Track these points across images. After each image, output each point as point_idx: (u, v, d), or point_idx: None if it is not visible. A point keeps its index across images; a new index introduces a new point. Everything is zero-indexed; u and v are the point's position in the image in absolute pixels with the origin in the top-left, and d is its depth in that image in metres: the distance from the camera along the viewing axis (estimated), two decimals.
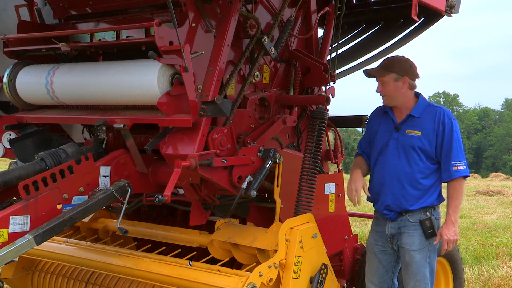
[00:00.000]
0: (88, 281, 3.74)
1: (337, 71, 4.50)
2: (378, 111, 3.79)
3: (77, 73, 3.33)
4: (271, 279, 3.00)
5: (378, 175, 3.69)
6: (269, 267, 3.01)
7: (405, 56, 3.65)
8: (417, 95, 3.63)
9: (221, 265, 3.19)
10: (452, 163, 3.45)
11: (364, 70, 3.70)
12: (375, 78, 3.65)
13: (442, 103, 65.62)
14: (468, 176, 3.51)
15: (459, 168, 3.45)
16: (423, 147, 3.51)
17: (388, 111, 3.68)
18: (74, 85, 3.31)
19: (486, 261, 6.99)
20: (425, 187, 3.52)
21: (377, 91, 3.63)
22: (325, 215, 3.90)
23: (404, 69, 3.55)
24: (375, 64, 4.73)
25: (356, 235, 4.18)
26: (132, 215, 4.14)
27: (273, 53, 3.49)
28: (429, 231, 3.49)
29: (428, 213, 3.53)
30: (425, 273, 3.53)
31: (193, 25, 3.06)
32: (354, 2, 4.99)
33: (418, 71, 3.64)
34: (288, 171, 3.48)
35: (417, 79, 3.63)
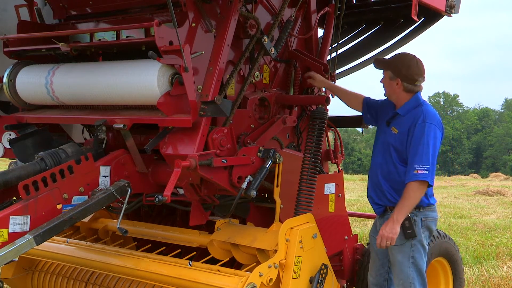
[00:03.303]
0: (88, 281, 3.75)
1: (337, 71, 4.50)
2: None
3: (77, 73, 3.33)
4: (271, 279, 3.01)
5: (370, 168, 3.78)
6: (269, 267, 3.01)
7: (414, 57, 3.56)
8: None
9: (221, 265, 3.19)
10: (415, 166, 3.33)
11: (375, 59, 3.72)
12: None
13: (442, 103, 65.55)
14: (427, 181, 3.32)
15: (419, 172, 3.31)
16: (395, 146, 3.50)
17: (391, 104, 3.69)
18: (74, 85, 3.31)
19: (486, 261, 6.98)
20: (401, 186, 3.44)
21: (380, 81, 3.65)
22: (325, 215, 3.90)
23: (399, 72, 3.51)
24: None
25: (356, 235, 4.18)
26: (132, 215, 4.14)
27: (273, 53, 3.49)
28: (408, 231, 3.41)
29: (408, 213, 3.41)
30: (408, 273, 3.49)
31: (193, 25, 3.06)
32: (354, 2, 4.99)
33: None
34: (288, 171, 3.48)
35: (422, 83, 3.55)
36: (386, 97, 3.73)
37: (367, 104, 3.86)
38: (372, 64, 3.75)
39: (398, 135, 3.51)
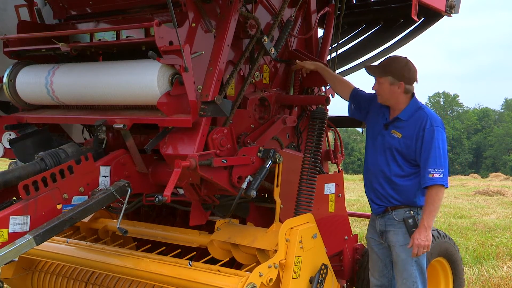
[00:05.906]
0: (88, 281, 3.74)
1: (337, 71, 4.50)
2: None
3: (77, 73, 3.33)
4: (271, 279, 3.01)
5: (366, 169, 3.76)
6: (269, 267, 3.01)
7: (407, 58, 3.59)
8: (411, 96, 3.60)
9: (221, 265, 3.19)
10: (429, 170, 3.39)
11: (365, 66, 3.71)
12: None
13: (442, 103, 65.56)
14: (444, 184, 3.41)
15: (435, 176, 3.38)
16: (400, 150, 3.51)
17: (384, 106, 3.67)
18: (74, 85, 3.31)
19: (486, 261, 6.99)
20: (403, 188, 3.53)
21: (372, 89, 3.62)
22: (325, 215, 3.90)
23: (401, 74, 3.50)
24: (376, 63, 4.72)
25: (356, 235, 4.19)
26: (132, 215, 4.14)
27: (273, 53, 3.49)
28: (413, 229, 3.47)
29: (412, 212, 3.52)
30: (411, 271, 3.53)
31: (193, 25, 3.06)
32: (354, 2, 4.99)
33: (418, 72, 3.60)
34: (288, 171, 3.48)
35: (415, 83, 3.58)
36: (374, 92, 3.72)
37: (355, 95, 3.85)
38: (365, 71, 3.67)
39: (402, 139, 3.51)
